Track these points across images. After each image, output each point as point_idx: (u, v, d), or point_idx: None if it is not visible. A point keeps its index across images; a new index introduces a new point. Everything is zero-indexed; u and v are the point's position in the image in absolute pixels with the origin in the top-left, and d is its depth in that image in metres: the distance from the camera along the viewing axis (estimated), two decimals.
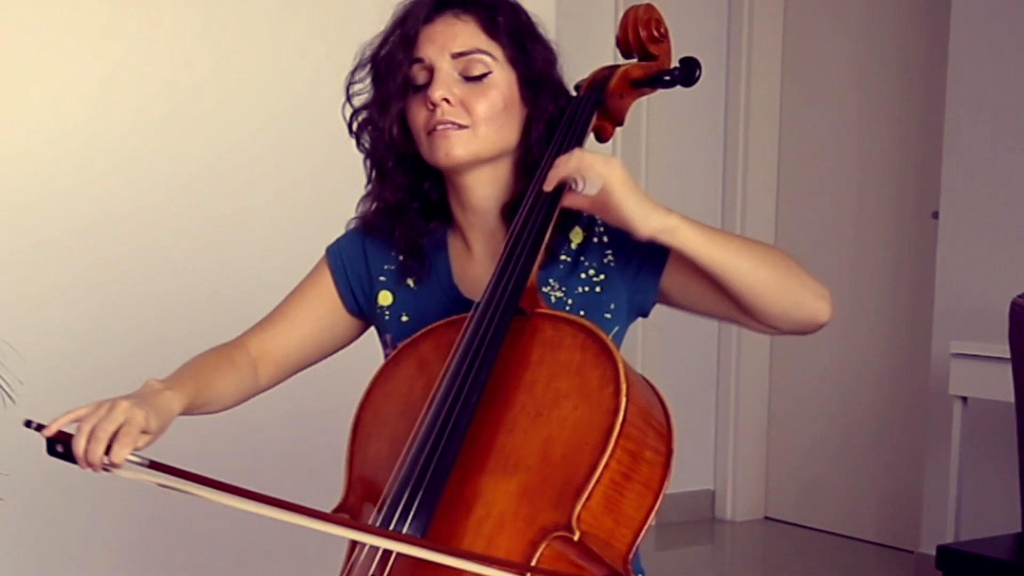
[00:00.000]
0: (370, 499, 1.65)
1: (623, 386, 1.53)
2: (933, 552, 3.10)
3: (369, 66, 1.84)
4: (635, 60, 1.88)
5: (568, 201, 1.70)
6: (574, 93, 1.87)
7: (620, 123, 1.87)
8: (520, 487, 1.53)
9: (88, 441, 1.53)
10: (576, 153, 1.66)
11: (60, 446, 1.57)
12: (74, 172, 3.48)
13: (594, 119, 1.82)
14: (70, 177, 3.48)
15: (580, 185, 1.67)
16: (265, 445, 3.66)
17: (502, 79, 1.78)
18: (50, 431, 1.56)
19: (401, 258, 1.88)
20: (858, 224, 5.19)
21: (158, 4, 3.57)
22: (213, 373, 1.81)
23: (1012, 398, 3.11)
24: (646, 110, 5.11)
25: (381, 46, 1.83)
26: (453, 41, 1.77)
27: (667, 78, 1.84)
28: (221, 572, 3.74)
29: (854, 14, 5.16)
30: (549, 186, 1.68)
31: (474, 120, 1.76)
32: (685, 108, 5.23)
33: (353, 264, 1.92)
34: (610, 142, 1.93)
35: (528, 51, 1.80)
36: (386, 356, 1.90)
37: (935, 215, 4.62)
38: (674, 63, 1.86)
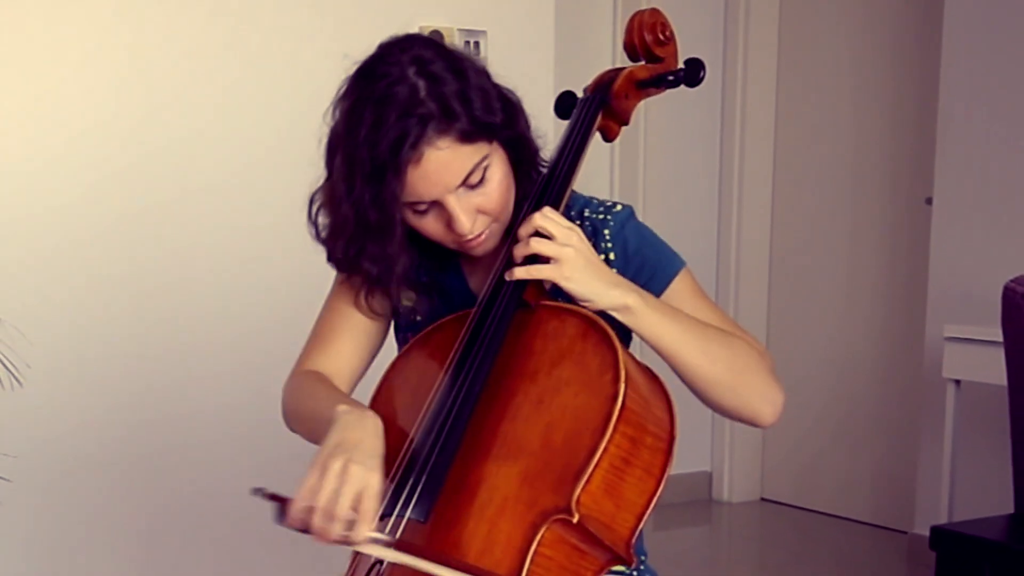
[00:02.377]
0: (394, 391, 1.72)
1: (622, 372, 1.55)
2: (927, 533, 3.10)
3: (345, 207, 1.71)
4: (642, 62, 1.90)
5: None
6: (580, 95, 1.89)
7: (626, 123, 1.89)
8: (522, 472, 1.56)
9: (325, 521, 1.48)
10: (531, 241, 1.63)
11: (297, 527, 1.51)
12: (82, 164, 3.51)
13: (599, 119, 1.84)
14: (81, 168, 3.50)
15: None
16: (278, 437, 3.69)
17: (496, 164, 1.72)
18: (296, 520, 1.50)
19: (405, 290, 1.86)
20: (853, 210, 5.21)
21: (169, 2, 3.60)
22: (341, 392, 1.80)
23: (1005, 381, 3.13)
24: (644, 102, 5.11)
25: (360, 198, 1.68)
26: (451, 176, 1.66)
27: (671, 79, 1.86)
28: (225, 555, 3.77)
29: (849, 1, 5.17)
30: (513, 276, 1.66)
31: (494, 215, 1.73)
32: (682, 98, 5.24)
33: None
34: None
35: (498, 123, 1.70)
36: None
37: (929, 201, 4.63)
38: (680, 64, 1.88)
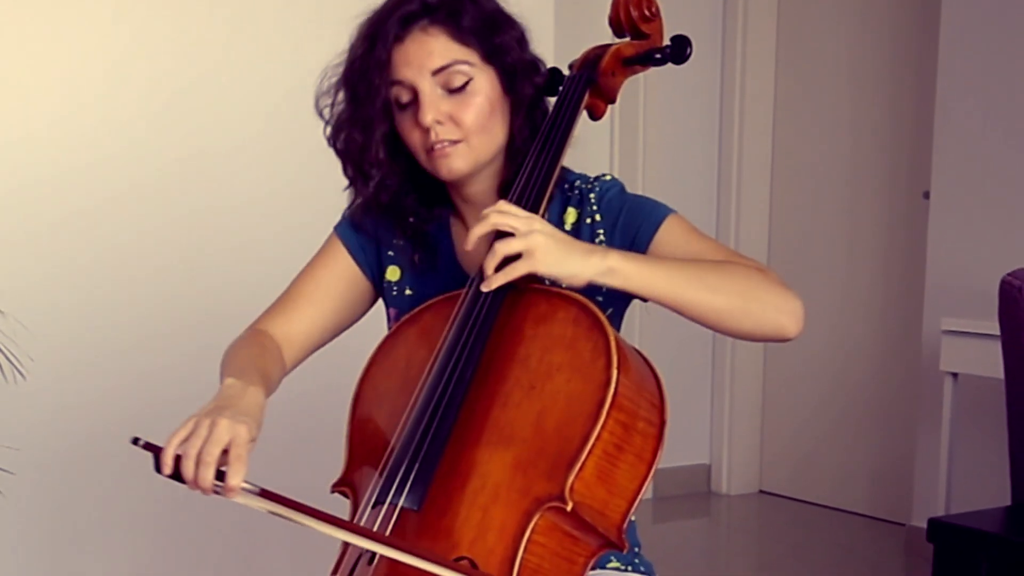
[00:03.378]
0: (369, 472, 1.67)
1: (614, 358, 1.54)
2: (924, 525, 3.11)
3: (343, 88, 1.84)
4: (627, 39, 1.88)
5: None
6: (567, 72, 1.88)
7: (612, 101, 1.88)
8: (514, 459, 1.55)
9: (197, 466, 1.50)
10: (496, 247, 1.63)
11: (168, 471, 1.53)
12: (83, 153, 3.50)
13: (587, 97, 1.83)
14: (80, 158, 3.49)
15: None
16: (284, 424, 3.69)
17: (483, 82, 1.78)
18: (167, 465, 1.52)
19: (409, 234, 1.90)
20: (851, 204, 5.22)
21: None
22: (262, 362, 1.79)
23: (1002, 374, 3.13)
24: (643, 92, 5.13)
25: (352, 68, 1.82)
26: (429, 59, 1.76)
27: (658, 56, 1.85)
28: (229, 544, 3.77)
29: None
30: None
31: (466, 132, 1.77)
32: (681, 90, 5.26)
33: (363, 237, 1.94)
34: (607, 123, 1.94)
35: (499, 44, 1.79)
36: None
37: (926, 195, 4.64)
38: (666, 41, 1.87)
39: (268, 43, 3.76)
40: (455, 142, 1.77)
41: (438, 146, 1.76)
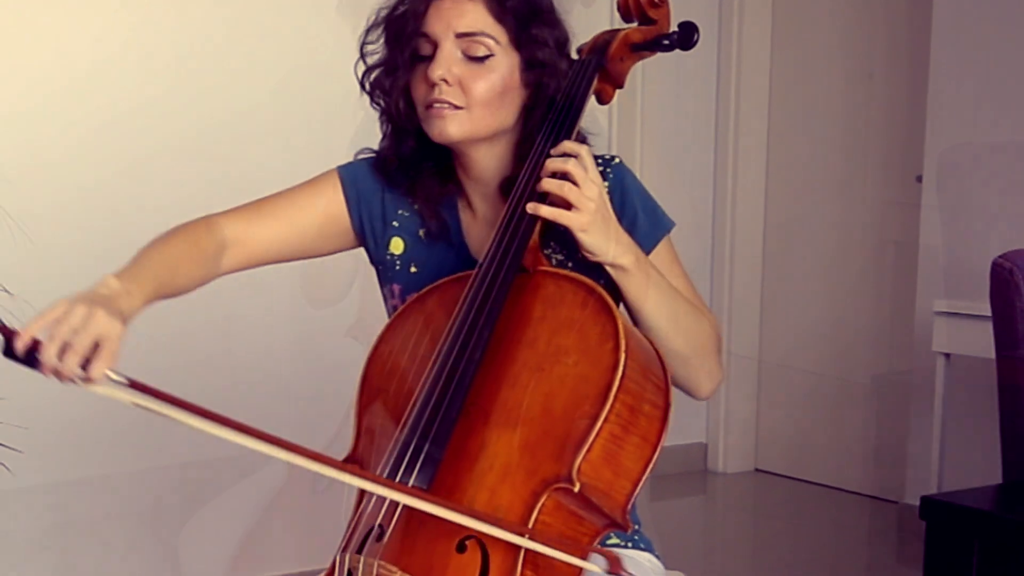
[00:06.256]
0: (378, 451, 1.68)
1: (622, 342, 1.57)
2: (917, 503, 3.12)
3: (382, 28, 1.86)
4: (635, 24, 1.91)
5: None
6: (576, 57, 1.90)
7: (620, 86, 1.91)
8: (522, 440, 1.57)
9: (62, 351, 1.45)
10: (553, 180, 1.68)
11: (23, 350, 1.45)
12: (87, 110, 3.53)
13: (595, 82, 1.86)
14: (84, 116, 3.53)
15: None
16: (275, 400, 3.69)
17: (504, 62, 1.79)
18: (23, 340, 1.45)
19: (417, 207, 1.91)
20: (845, 187, 5.23)
21: None
22: (176, 262, 1.74)
23: (993, 354, 3.14)
24: (641, 73, 5.14)
25: (393, 11, 1.84)
26: (459, 20, 1.77)
27: (666, 42, 1.87)
28: (235, 515, 3.81)
29: None
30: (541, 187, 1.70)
31: (470, 102, 1.78)
32: (678, 75, 5.27)
33: (368, 195, 1.93)
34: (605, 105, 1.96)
35: (534, 35, 1.80)
36: (390, 307, 1.94)
37: (919, 179, 4.66)
38: (673, 27, 1.89)
39: (278, 9, 3.80)
40: (456, 107, 1.78)
41: (437, 105, 1.77)
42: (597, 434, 1.54)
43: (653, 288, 1.71)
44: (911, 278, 4.73)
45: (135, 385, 1.45)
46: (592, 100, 1.87)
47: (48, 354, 1.44)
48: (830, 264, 5.33)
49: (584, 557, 1.55)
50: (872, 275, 5.18)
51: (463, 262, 1.85)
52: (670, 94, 5.37)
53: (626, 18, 1.92)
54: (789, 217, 5.50)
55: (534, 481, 1.54)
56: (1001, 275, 3.02)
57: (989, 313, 3.15)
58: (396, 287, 1.93)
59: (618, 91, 1.92)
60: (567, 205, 1.66)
